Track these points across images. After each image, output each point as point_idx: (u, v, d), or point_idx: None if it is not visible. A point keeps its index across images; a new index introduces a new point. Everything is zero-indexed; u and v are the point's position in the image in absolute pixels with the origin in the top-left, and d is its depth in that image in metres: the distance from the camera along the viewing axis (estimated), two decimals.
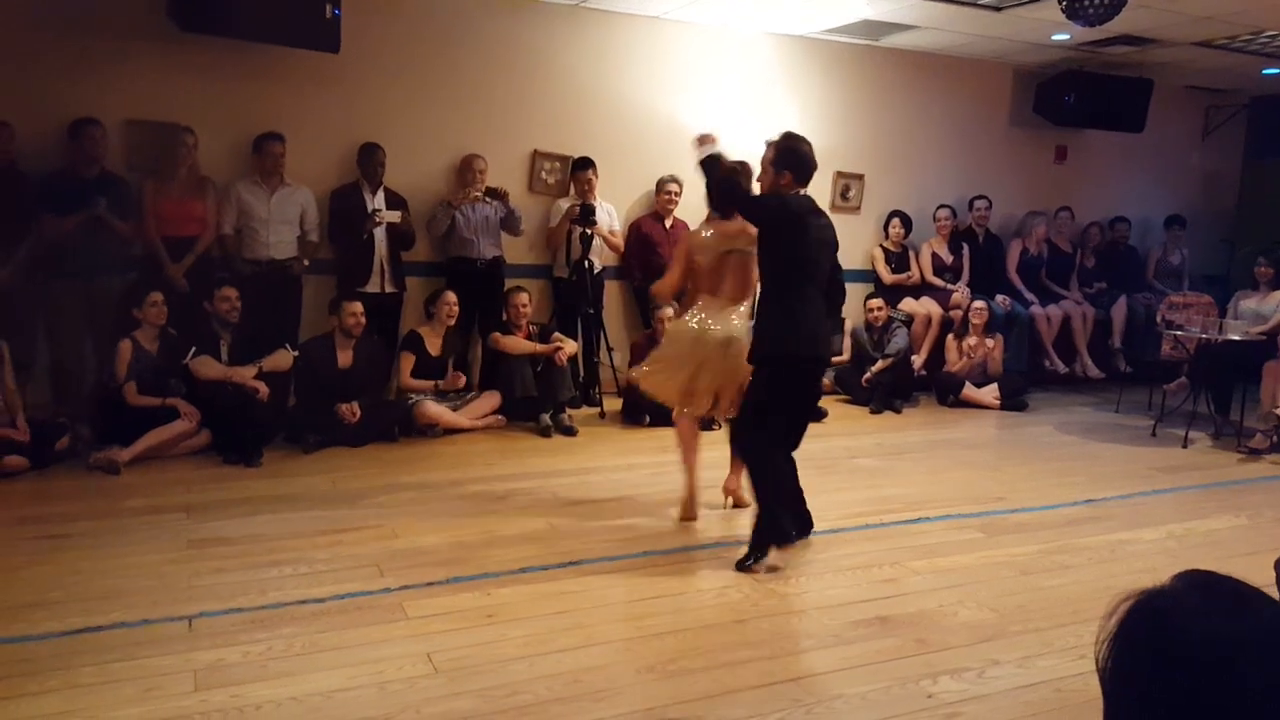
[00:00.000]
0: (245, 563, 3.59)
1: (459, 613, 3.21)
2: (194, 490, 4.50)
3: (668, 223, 6.96)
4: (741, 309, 4.22)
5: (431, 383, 5.81)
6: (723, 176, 4.04)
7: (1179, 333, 6.61)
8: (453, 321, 5.91)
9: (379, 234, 5.96)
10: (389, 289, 6.08)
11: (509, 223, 6.39)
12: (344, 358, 5.55)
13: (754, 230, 3.93)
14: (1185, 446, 6.14)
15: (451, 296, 5.88)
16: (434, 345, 5.87)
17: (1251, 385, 6.31)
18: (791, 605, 3.43)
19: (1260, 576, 1.19)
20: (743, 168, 4.16)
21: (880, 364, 7.02)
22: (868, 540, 4.14)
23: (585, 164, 6.61)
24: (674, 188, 6.90)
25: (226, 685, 2.67)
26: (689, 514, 4.27)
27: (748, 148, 7.08)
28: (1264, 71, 8.08)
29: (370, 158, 6.00)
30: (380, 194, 6.03)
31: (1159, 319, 7.19)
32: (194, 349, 5.20)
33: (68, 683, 2.66)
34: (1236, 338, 6.26)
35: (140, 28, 5.62)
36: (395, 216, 5.93)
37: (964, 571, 3.79)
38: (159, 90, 5.68)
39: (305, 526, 4.02)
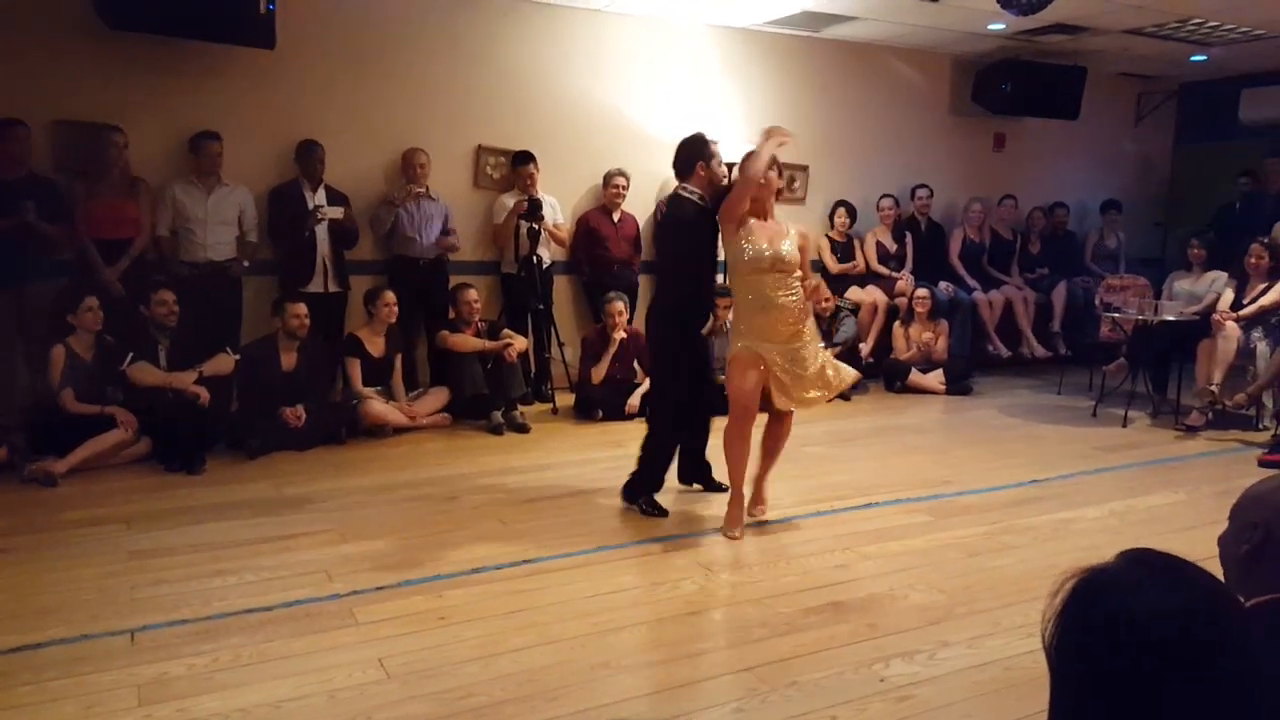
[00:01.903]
0: (189, 573, 3.50)
1: (411, 616, 3.17)
2: (134, 500, 4.38)
3: (615, 216, 6.94)
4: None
5: (393, 408, 5.71)
6: None
7: (1117, 315, 6.77)
8: (393, 320, 5.80)
9: (321, 232, 5.85)
10: (332, 288, 5.97)
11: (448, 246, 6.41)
12: (287, 360, 5.44)
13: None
14: (1125, 426, 6.29)
15: (390, 296, 5.77)
16: (375, 346, 5.76)
17: (1187, 364, 6.50)
18: (745, 594, 3.45)
19: (1199, 550, 1.22)
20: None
21: (829, 352, 7.08)
22: (819, 527, 4.18)
23: (526, 158, 6.56)
24: (621, 181, 6.88)
25: (171, 699, 2.61)
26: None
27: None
28: (1191, 58, 8.30)
29: (309, 155, 5.89)
30: (321, 191, 5.92)
31: (1097, 302, 7.37)
32: (131, 355, 5.06)
33: (4, 703, 2.57)
34: (1172, 318, 6.43)
35: (66, 24, 5.44)
36: (337, 213, 5.83)
37: (913, 555, 3.85)
38: (87, 89, 5.51)
39: (250, 534, 3.94)
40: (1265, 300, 6.23)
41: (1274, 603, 1.45)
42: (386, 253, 6.34)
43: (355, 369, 5.68)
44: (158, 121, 5.67)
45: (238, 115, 5.88)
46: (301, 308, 5.44)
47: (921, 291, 7.40)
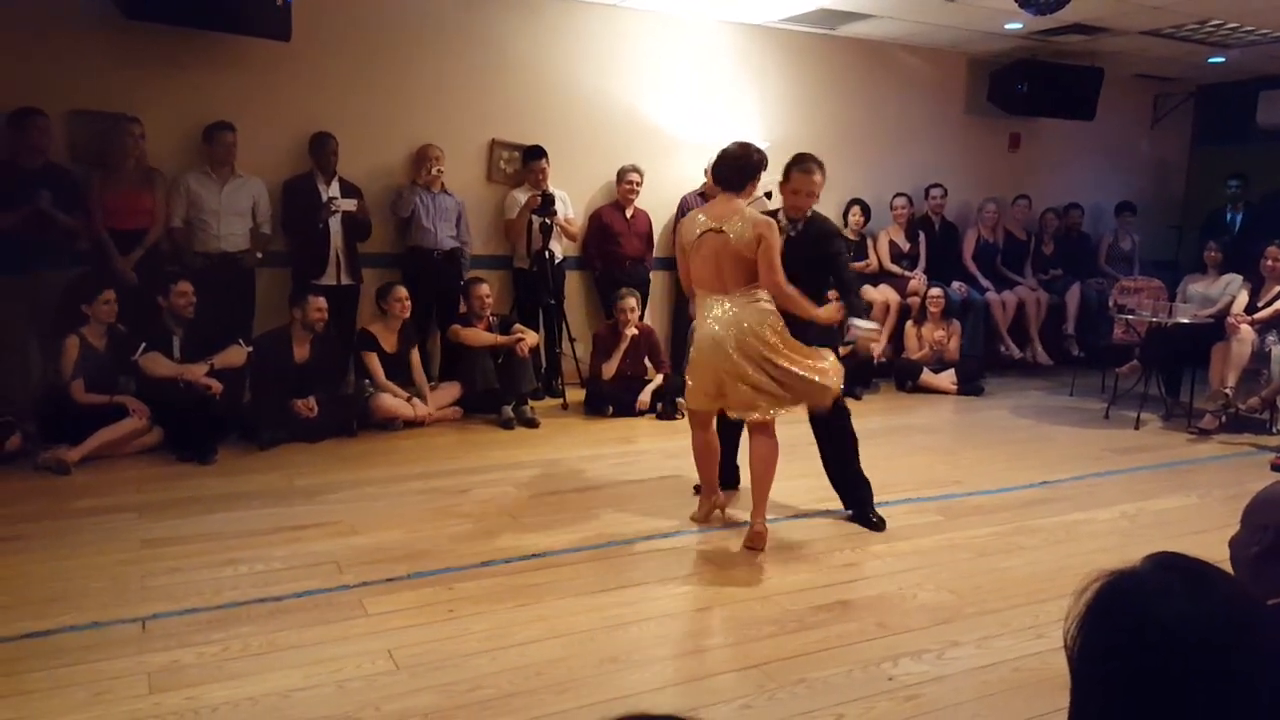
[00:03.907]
0: (200, 562, 3.52)
1: (420, 608, 3.18)
2: (146, 489, 4.41)
3: (628, 212, 6.94)
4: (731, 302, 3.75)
5: (410, 405, 5.68)
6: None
7: (1130, 317, 6.74)
8: (406, 316, 5.80)
9: (334, 225, 5.87)
10: (345, 281, 5.99)
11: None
12: (301, 352, 5.47)
13: (750, 215, 3.71)
14: (1137, 428, 6.26)
15: (402, 291, 5.77)
16: (389, 342, 5.76)
17: (1200, 367, 6.46)
18: (753, 592, 3.44)
19: (1211, 554, 1.21)
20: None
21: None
22: (828, 525, 4.18)
23: (538, 153, 6.56)
24: (635, 177, 6.88)
25: (182, 687, 2.62)
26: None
27: (707, 136, 7.16)
28: (1209, 60, 8.24)
29: (323, 147, 5.90)
30: (335, 184, 5.93)
31: (1111, 303, 7.32)
32: (144, 345, 5.08)
33: (15, 689, 2.59)
34: (1186, 321, 6.39)
35: (84, 15, 5.46)
36: (351, 204, 5.85)
37: (923, 554, 3.84)
38: (104, 79, 5.53)
39: (261, 524, 3.95)
40: None
41: None
42: (401, 245, 6.35)
43: (375, 362, 5.67)
44: (173, 112, 5.69)
45: (252, 106, 5.90)
46: (322, 301, 5.46)
47: (934, 291, 7.38)
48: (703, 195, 6.91)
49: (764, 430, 3.84)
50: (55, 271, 5.17)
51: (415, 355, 5.86)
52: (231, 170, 5.69)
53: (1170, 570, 1.02)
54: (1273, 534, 1.49)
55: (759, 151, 3.85)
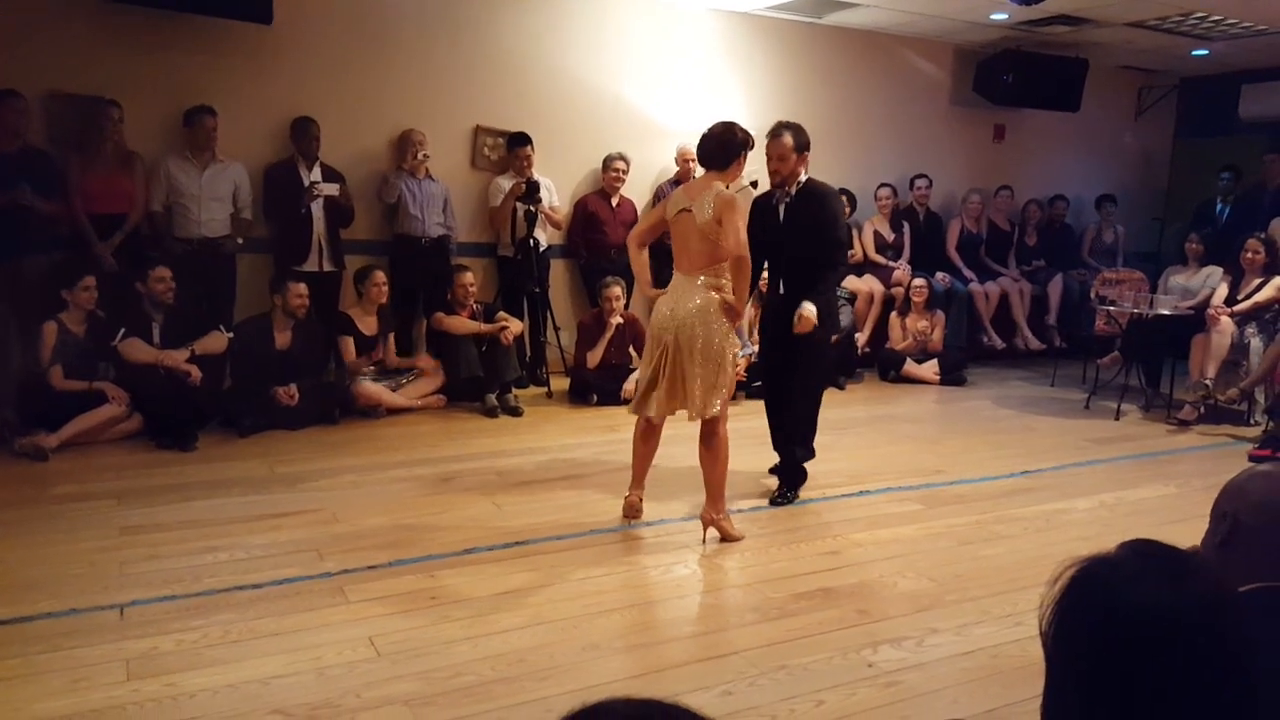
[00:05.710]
0: (179, 549, 3.50)
1: (401, 595, 3.17)
2: (125, 476, 4.37)
3: (614, 201, 6.92)
4: (702, 281, 3.64)
5: (369, 361, 5.69)
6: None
7: (1112, 308, 6.78)
8: (384, 300, 5.79)
9: (316, 211, 5.83)
10: (328, 267, 5.95)
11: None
12: (282, 339, 5.43)
13: (717, 192, 3.58)
14: (1117, 419, 6.30)
15: (381, 276, 5.76)
16: (367, 325, 5.75)
17: (1181, 359, 6.51)
18: (736, 579, 3.46)
19: (1188, 543, 1.22)
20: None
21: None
22: (811, 514, 4.19)
23: (523, 140, 6.52)
24: (621, 165, 6.85)
25: (160, 674, 2.61)
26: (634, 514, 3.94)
27: (693, 124, 7.13)
28: (1193, 53, 8.28)
29: (304, 132, 5.85)
30: (316, 169, 5.88)
31: (1092, 295, 7.37)
32: (123, 331, 5.04)
33: None
34: (1166, 312, 6.43)
35: None
36: (333, 189, 5.80)
37: (904, 543, 3.86)
38: (82, 61, 5.46)
39: (242, 511, 3.93)
40: (1260, 296, 6.24)
41: (1264, 590, 1.45)
42: (386, 232, 6.31)
43: (349, 345, 5.66)
44: (152, 95, 5.63)
45: (233, 90, 5.84)
46: (303, 287, 5.43)
47: (918, 281, 7.40)
48: (677, 183, 6.89)
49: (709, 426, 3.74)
50: (33, 257, 5.11)
51: (391, 340, 5.84)
52: (212, 155, 5.63)
53: (1144, 556, 1.03)
54: (1230, 521, 1.50)
55: (743, 130, 3.75)
